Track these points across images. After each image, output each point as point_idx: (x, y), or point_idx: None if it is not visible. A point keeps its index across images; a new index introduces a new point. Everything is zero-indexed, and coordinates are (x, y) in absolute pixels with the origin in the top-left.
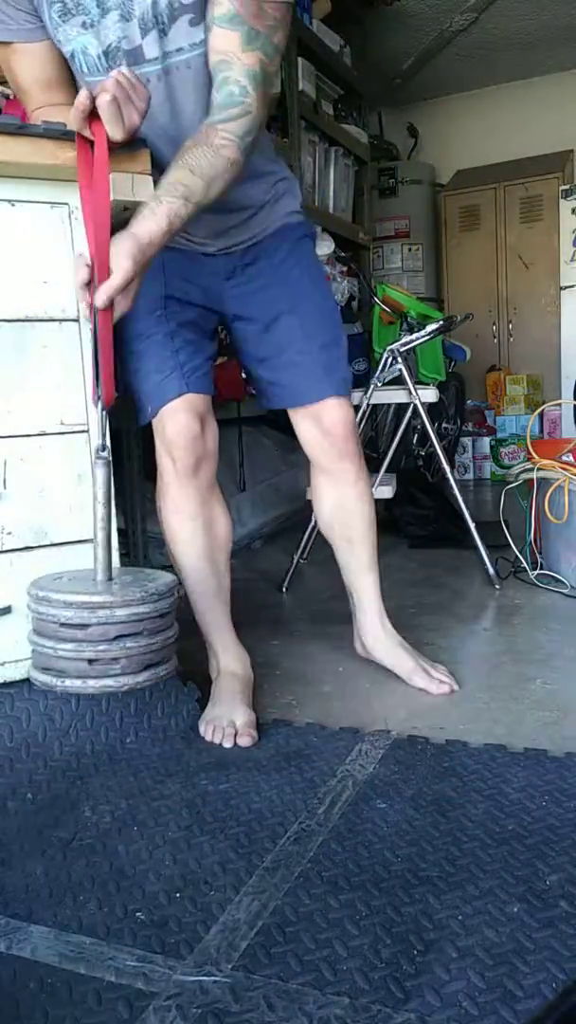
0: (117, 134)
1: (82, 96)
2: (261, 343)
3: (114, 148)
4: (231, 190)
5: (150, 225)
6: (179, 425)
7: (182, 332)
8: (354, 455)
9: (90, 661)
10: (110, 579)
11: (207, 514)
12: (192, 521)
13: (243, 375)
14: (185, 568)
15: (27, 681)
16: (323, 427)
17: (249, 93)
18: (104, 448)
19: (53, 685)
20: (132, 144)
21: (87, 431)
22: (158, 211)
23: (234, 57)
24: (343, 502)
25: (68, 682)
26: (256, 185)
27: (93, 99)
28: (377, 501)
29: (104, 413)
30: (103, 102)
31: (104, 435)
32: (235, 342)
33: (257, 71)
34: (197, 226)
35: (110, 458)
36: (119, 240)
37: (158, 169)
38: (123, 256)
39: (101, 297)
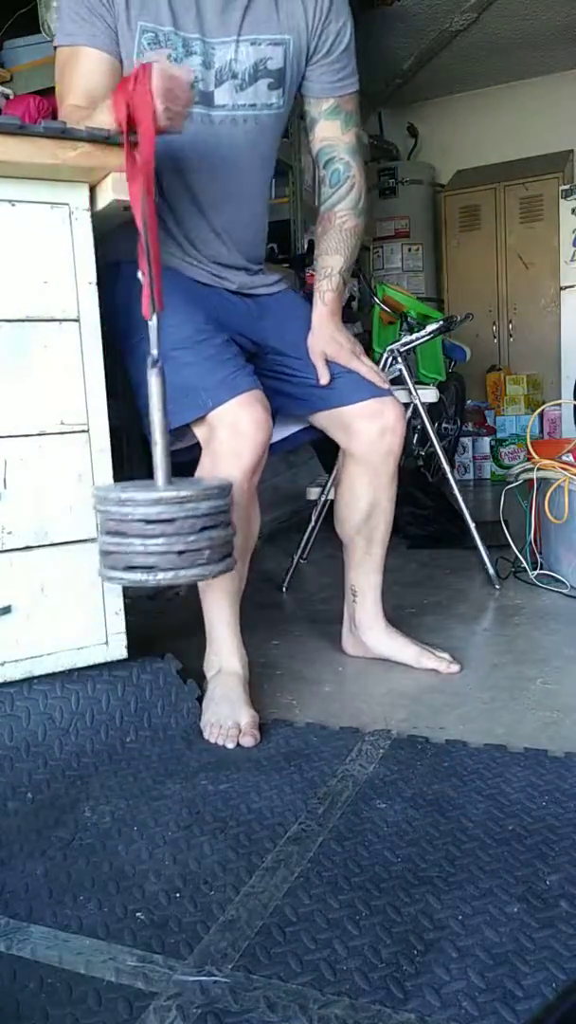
0: (158, 62)
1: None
2: (302, 368)
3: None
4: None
5: (323, 311)
6: (258, 419)
7: (234, 344)
8: (397, 459)
9: (180, 552)
10: (170, 483)
11: (249, 514)
12: (237, 519)
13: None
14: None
15: (27, 681)
16: (385, 424)
17: (352, 166)
18: (157, 359)
19: (145, 580)
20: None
21: (87, 431)
22: (325, 296)
23: (337, 140)
24: (379, 503)
25: (161, 575)
26: (253, 258)
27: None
28: None
29: (156, 322)
30: (172, 66)
31: (156, 345)
32: (273, 373)
33: (355, 144)
34: (213, 269)
35: (162, 366)
36: (328, 334)
37: (194, 198)
38: (341, 340)
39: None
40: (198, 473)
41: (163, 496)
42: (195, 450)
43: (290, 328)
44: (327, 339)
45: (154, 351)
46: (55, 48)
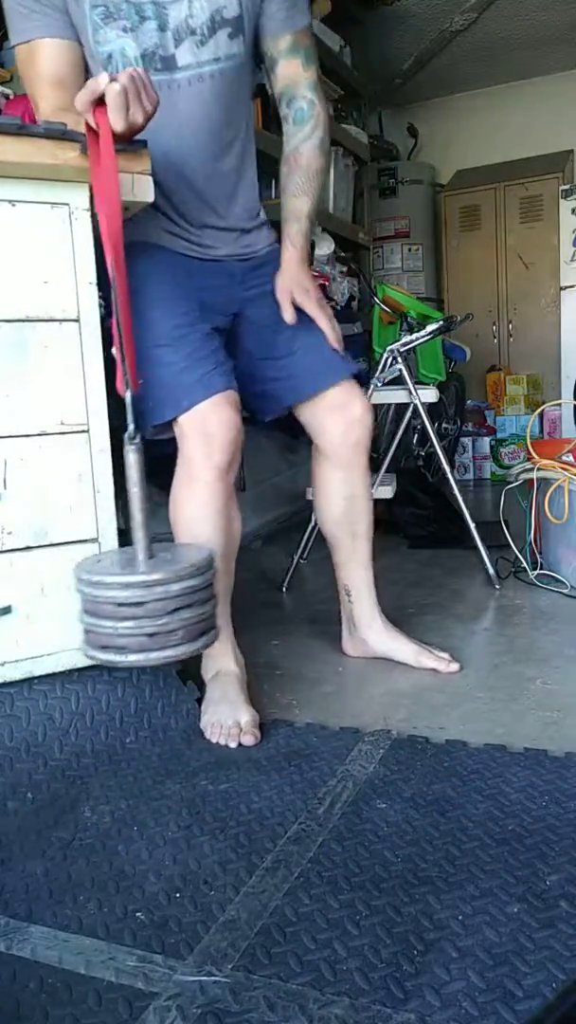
0: (118, 124)
1: (95, 80)
2: (270, 342)
3: (115, 142)
4: (241, 207)
5: (293, 254)
6: (226, 420)
7: (214, 336)
8: (367, 450)
9: (151, 635)
10: (151, 556)
11: (228, 514)
12: (215, 520)
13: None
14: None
15: (27, 681)
16: (351, 416)
17: (315, 103)
18: (135, 436)
19: (116, 662)
20: (133, 144)
21: (87, 431)
22: (295, 240)
23: (299, 77)
24: (355, 497)
25: (132, 657)
26: (248, 214)
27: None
28: (377, 501)
29: (131, 399)
30: (113, 89)
31: (132, 421)
32: (239, 344)
33: (316, 80)
34: (203, 236)
35: (140, 444)
36: (296, 277)
37: (172, 165)
38: (308, 286)
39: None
40: (175, 479)
41: (132, 580)
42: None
43: (269, 302)
44: (295, 283)
45: (131, 426)
46: (13, 49)
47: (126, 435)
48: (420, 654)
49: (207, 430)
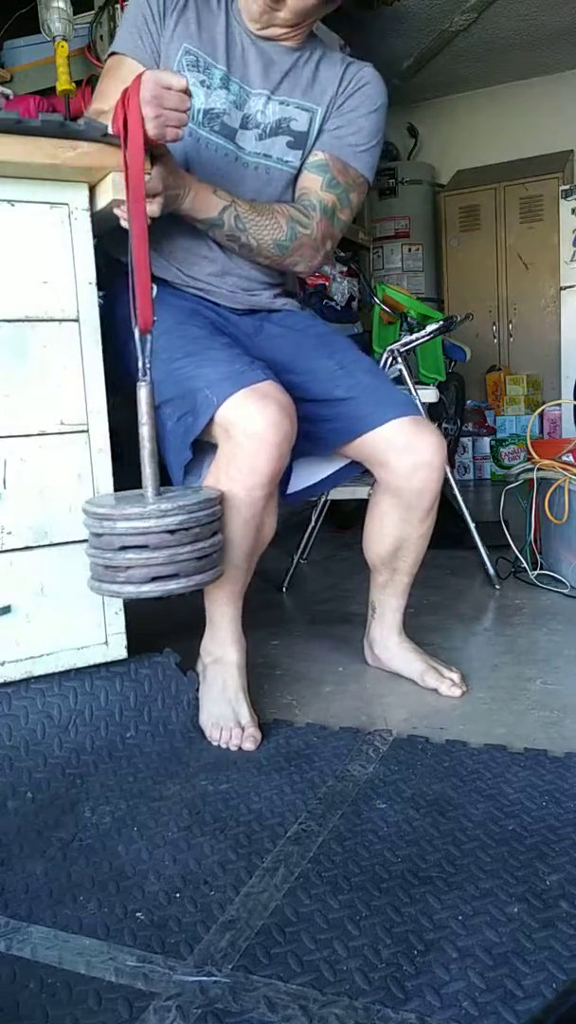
0: (147, 110)
1: (181, 77)
2: (306, 386)
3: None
4: (255, 262)
5: (191, 181)
6: (270, 415)
7: (235, 345)
8: (435, 496)
9: (199, 558)
10: (159, 494)
11: (260, 519)
12: (245, 525)
13: None
14: (224, 562)
15: (26, 681)
16: (419, 459)
17: (316, 210)
18: (146, 372)
19: (123, 592)
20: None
21: (87, 431)
22: (209, 187)
23: (313, 192)
24: (408, 538)
25: (146, 587)
26: (267, 281)
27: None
28: None
29: (147, 337)
30: (181, 85)
31: (146, 358)
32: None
33: (328, 206)
34: (211, 275)
35: (150, 378)
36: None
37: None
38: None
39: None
40: (212, 469)
41: (186, 504)
42: None
43: (291, 341)
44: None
45: (143, 363)
46: (110, 54)
47: (139, 370)
48: (426, 673)
49: (250, 429)
